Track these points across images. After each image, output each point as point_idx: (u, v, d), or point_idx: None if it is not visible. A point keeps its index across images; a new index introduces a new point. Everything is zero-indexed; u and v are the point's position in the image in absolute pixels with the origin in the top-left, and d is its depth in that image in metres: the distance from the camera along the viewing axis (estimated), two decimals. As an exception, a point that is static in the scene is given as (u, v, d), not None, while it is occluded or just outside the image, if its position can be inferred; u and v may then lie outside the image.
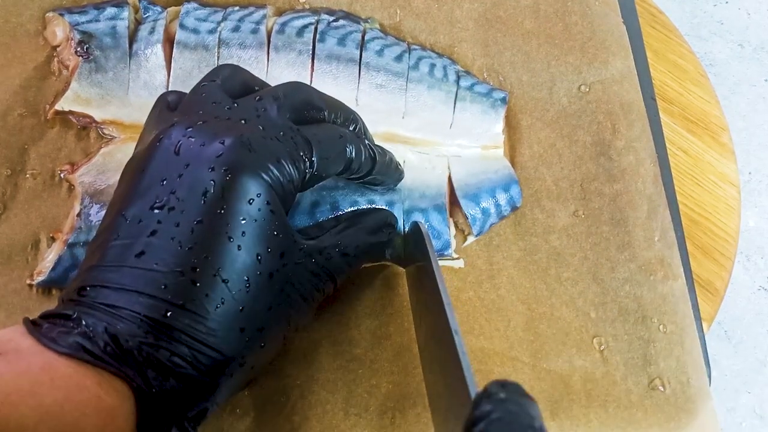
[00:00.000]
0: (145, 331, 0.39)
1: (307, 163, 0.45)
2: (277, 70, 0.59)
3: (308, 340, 0.54)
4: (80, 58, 0.58)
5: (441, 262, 0.57)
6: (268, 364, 0.47)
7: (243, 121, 0.44)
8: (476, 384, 0.39)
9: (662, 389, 0.54)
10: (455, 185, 0.58)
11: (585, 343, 0.56)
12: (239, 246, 0.41)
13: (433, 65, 0.61)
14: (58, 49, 0.60)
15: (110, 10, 0.60)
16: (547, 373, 0.54)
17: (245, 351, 0.42)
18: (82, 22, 0.59)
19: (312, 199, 0.55)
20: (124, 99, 0.58)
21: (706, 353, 0.58)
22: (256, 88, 0.49)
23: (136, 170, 0.44)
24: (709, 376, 0.57)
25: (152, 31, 0.59)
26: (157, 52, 0.59)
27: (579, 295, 0.57)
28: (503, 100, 0.61)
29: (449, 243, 0.57)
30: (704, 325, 0.61)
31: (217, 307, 0.40)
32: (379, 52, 0.60)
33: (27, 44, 0.61)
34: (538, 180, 0.60)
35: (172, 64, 0.59)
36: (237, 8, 0.61)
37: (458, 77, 0.61)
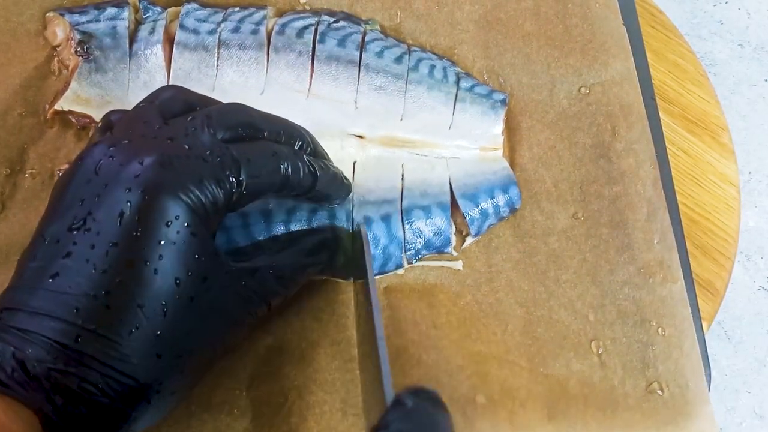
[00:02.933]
0: (54, 357, 0.37)
1: (234, 183, 0.44)
2: (276, 71, 0.59)
3: (306, 341, 0.54)
4: (80, 58, 0.58)
5: (440, 263, 0.58)
6: (192, 388, 0.45)
7: (169, 141, 0.43)
8: (393, 393, 0.39)
9: (660, 393, 0.54)
10: (453, 186, 0.58)
11: (583, 346, 0.56)
12: (156, 270, 0.40)
13: (433, 66, 0.61)
14: (58, 49, 0.60)
15: (110, 11, 0.60)
16: (544, 377, 0.54)
17: (163, 377, 0.41)
18: (83, 22, 0.59)
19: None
20: (123, 99, 0.58)
21: (706, 353, 0.58)
22: (199, 109, 0.48)
23: (59, 189, 0.43)
24: (709, 376, 0.57)
25: (152, 31, 0.59)
26: (157, 52, 0.59)
27: (578, 297, 0.57)
28: (503, 102, 0.61)
29: (450, 240, 0.57)
30: (704, 325, 0.61)
31: (131, 332, 0.39)
32: (379, 54, 0.60)
33: (27, 44, 0.61)
34: (537, 182, 0.60)
35: (172, 65, 0.59)
36: (237, 9, 0.61)
37: (458, 79, 0.61)
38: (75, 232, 0.40)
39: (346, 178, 0.54)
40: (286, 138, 0.49)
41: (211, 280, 0.42)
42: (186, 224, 0.41)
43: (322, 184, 0.50)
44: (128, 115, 0.47)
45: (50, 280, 0.39)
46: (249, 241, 0.54)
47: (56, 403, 0.37)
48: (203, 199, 0.42)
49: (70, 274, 0.39)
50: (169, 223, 0.40)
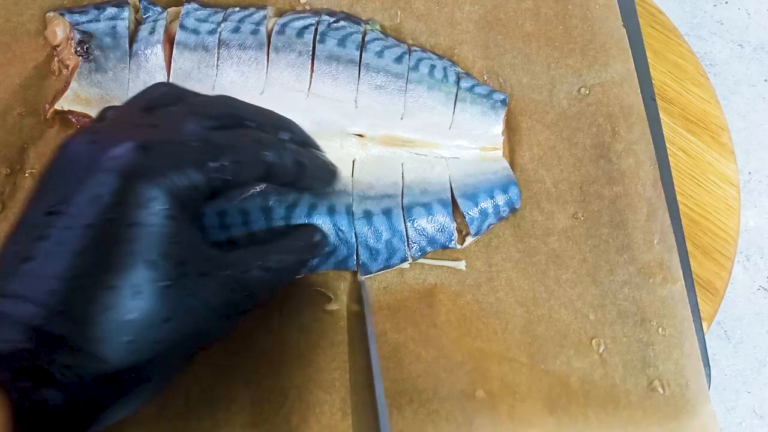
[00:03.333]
0: (26, 337, 0.37)
1: (216, 169, 0.43)
2: (276, 71, 0.59)
3: (305, 341, 0.54)
4: (80, 58, 0.58)
5: (444, 263, 0.58)
6: (169, 382, 0.45)
7: (152, 127, 0.43)
8: None
9: (662, 391, 0.54)
10: (453, 185, 0.58)
11: (583, 344, 0.56)
12: (130, 252, 0.39)
13: (433, 66, 0.61)
14: (58, 48, 0.60)
15: (110, 10, 0.60)
16: (544, 373, 0.55)
17: (136, 363, 0.40)
18: (83, 22, 0.59)
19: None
20: (123, 99, 0.57)
21: (706, 353, 0.58)
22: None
23: (42, 174, 0.43)
24: (709, 376, 0.57)
25: (152, 31, 0.59)
26: (157, 52, 0.59)
27: (578, 297, 0.57)
28: (503, 102, 0.61)
29: (452, 236, 0.57)
30: (704, 325, 0.61)
31: (102, 315, 0.38)
32: (379, 54, 0.60)
33: (27, 43, 0.61)
34: (537, 182, 0.60)
35: (172, 65, 0.59)
36: (237, 9, 0.62)
37: (458, 78, 0.61)
38: (52, 216, 0.40)
39: (333, 166, 0.54)
40: (273, 128, 0.49)
41: (190, 265, 0.42)
42: (163, 207, 0.40)
43: (309, 173, 0.50)
44: (118, 107, 0.47)
45: (25, 264, 0.39)
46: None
47: (25, 386, 0.37)
48: (183, 183, 0.41)
49: (45, 256, 0.39)
50: (146, 206, 0.40)
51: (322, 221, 0.55)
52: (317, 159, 0.52)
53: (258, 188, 0.55)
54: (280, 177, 0.48)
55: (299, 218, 0.55)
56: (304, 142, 0.51)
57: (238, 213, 0.54)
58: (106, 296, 0.38)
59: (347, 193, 0.56)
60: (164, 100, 0.47)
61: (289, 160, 0.48)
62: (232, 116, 0.47)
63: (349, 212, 0.56)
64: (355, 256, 0.56)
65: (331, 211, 0.55)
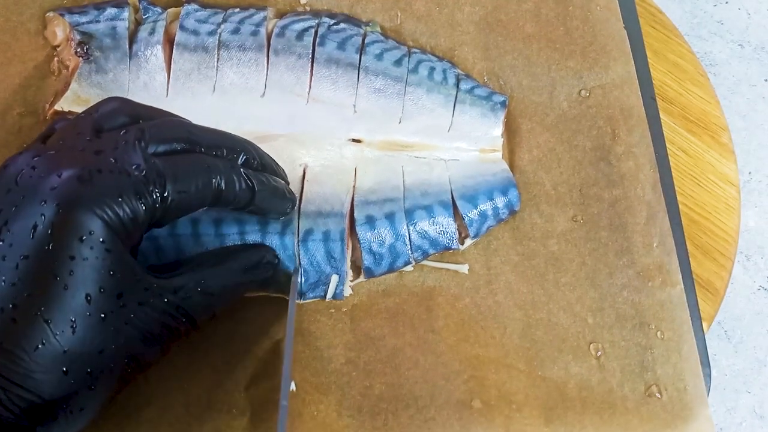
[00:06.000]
0: None
1: (158, 198, 0.42)
2: (276, 74, 0.59)
3: (302, 344, 0.55)
4: (80, 58, 0.58)
5: (446, 266, 0.58)
6: (107, 405, 0.44)
7: (96, 154, 0.42)
8: None
9: (659, 396, 0.54)
10: (452, 187, 0.58)
11: (582, 349, 0.56)
12: (66, 285, 0.39)
13: (432, 68, 0.61)
14: (58, 49, 0.60)
15: (110, 11, 0.60)
16: (542, 380, 0.54)
17: (70, 394, 0.40)
18: (83, 23, 0.59)
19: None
20: (123, 100, 0.58)
21: (706, 353, 0.58)
22: (142, 122, 0.47)
23: None
24: (709, 376, 0.57)
25: (152, 32, 0.59)
26: (157, 53, 0.59)
27: (577, 300, 0.57)
28: (503, 104, 0.61)
29: (454, 237, 0.57)
30: (704, 325, 0.61)
31: (36, 348, 0.38)
32: (379, 56, 0.60)
33: (27, 43, 0.61)
34: (536, 184, 0.60)
35: (172, 66, 0.59)
36: (237, 10, 0.61)
37: (458, 80, 0.61)
38: None
39: (290, 192, 0.53)
40: (226, 152, 0.48)
41: (127, 296, 0.41)
42: (101, 240, 0.40)
43: (261, 199, 0.49)
44: (65, 124, 0.46)
45: None
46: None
47: None
48: (121, 214, 0.41)
49: None
50: (83, 238, 0.39)
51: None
52: (272, 185, 0.51)
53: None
54: (229, 203, 0.47)
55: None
56: (261, 165, 0.50)
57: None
58: (40, 329, 0.38)
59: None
60: (114, 120, 0.46)
61: (240, 187, 0.47)
62: (184, 140, 0.46)
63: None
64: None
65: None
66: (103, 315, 0.40)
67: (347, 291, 0.56)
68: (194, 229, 0.53)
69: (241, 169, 0.48)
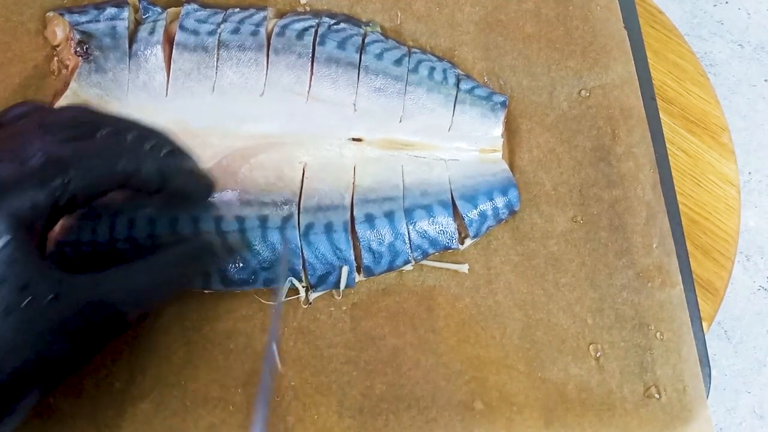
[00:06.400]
0: None
1: (59, 184, 0.41)
2: (276, 73, 0.59)
3: (302, 342, 0.55)
4: (80, 58, 0.58)
5: (447, 266, 0.58)
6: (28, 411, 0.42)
7: None
8: None
9: (658, 397, 0.54)
10: (452, 187, 0.58)
11: (581, 350, 0.56)
12: None
13: (432, 68, 0.61)
14: (58, 48, 0.60)
15: (110, 11, 0.60)
16: (542, 381, 0.55)
17: None
18: (82, 22, 0.59)
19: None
20: (123, 100, 0.58)
21: (706, 353, 0.58)
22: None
23: None
24: (709, 376, 0.57)
25: (152, 31, 0.59)
26: (157, 53, 0.59)
27: (576, 301, 0.57)
28: (503, 104, 0.61)
29: (454, 236, 0.57)
30: (704, 325, 0.61)
31: None
32: (379, 56, 0.60)
33: (27, 43, 0.61)
34: (536, 184, 0.60)
35: (172, 66, 0.58)
36: (237, 10, 0.61)
37: (458, 80, 0.61)
38: None
39: (204, 177, 0.51)
40: (135, 137, 0.46)
41: (34, 289, 0.39)
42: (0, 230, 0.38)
43: (173, 183, 0.48)
44: None
45: None
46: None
47: None
48: (22, 204, 0.40)
49: None
50: None
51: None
52: (186, 168, 0.49)
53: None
54: (141, 186, 0.46)
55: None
56: (172, 151, 0.49)
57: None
58: None
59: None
60: (16, 116, 0.45)
61: (150, 169, 0.46)
62: (86, 125, 0.45)
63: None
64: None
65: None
66: (6, 308, 0.38)
67: (358, 278, 0.57)
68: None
69: (149, 153, 0.46)
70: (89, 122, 0.45)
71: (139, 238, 0.53)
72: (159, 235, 0.53)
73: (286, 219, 0.55)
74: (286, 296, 0.55)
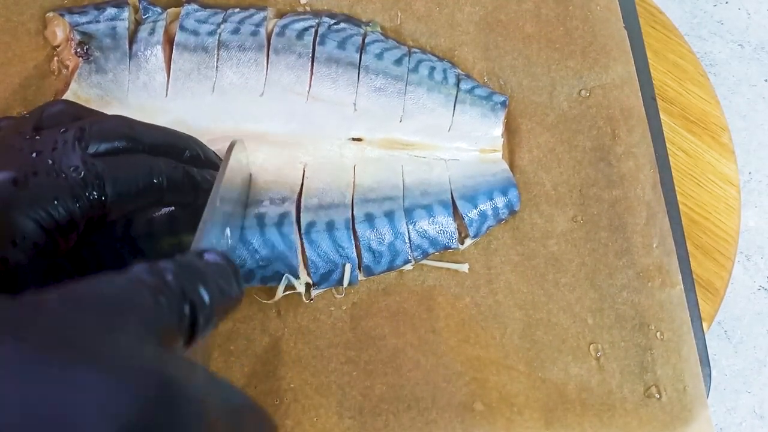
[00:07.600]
0: None
1: (95, 200, 0.42)
2: (276, 73, 0.59)
3: (302, 343, 0.55)
4: (80, 58, 0.58)
5: (447, 265, 0.58)
6: None
7: (34, 154, 0.42)
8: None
9: (658, 396, 0.54)
10: (452, 187, 0.58)
11: (581, 350, 0.56)
12: None
13: (432, 68, 0.61)
14: (58, 49, 0.60)
15: (110, 11, 0.60)
16: (542, 382, 0.55)
17: None
18: (82, 23, 0.59)
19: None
20: (123, 100, 0.58)
21: (706, 353, 0.58)
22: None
23: None
24: (709, 376, 0.57)
25: (152, 32, 0.59)
26: (157, 53, 0.59)
27: (576, 301, 0.57)
28: (503, 104, 0.61)
29: (454, 236, 0.57)
30: (704, 325, 0.61)
31: None
32: (379, 56, 0.60)
33: (27, 43, 0.61)
34: (537, 184, 0.60)
35: (172, 66, 0.59)
36: (237, 10, 0.61)
37: (458, 80, 0.61)
38: None
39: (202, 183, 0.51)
40: (170, 149, 0.48)
41: None
42: (34, 243, 0.39)
43: (207, 195, 0.48)
44: (9, 123, 0.46)
45: None
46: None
47: None
48: (56, 216, 0.40)
49: None
50: (16, 242, 0.39)
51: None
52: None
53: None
54: (174, 201, 0.47)
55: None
56: (205, 161, 0.50)
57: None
58: None
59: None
60: (57, 120, 0.45)
61: (184, 185, 0.47)
62: (126, 138, 0.45)
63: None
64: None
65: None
66: None
67: (361, 276, 0.57)
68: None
69: (184, 167, 0.47)
70: (127, 136, 0.45)
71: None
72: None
73: (283, 216, 0.55)
74: (285, 292, 0.55)
